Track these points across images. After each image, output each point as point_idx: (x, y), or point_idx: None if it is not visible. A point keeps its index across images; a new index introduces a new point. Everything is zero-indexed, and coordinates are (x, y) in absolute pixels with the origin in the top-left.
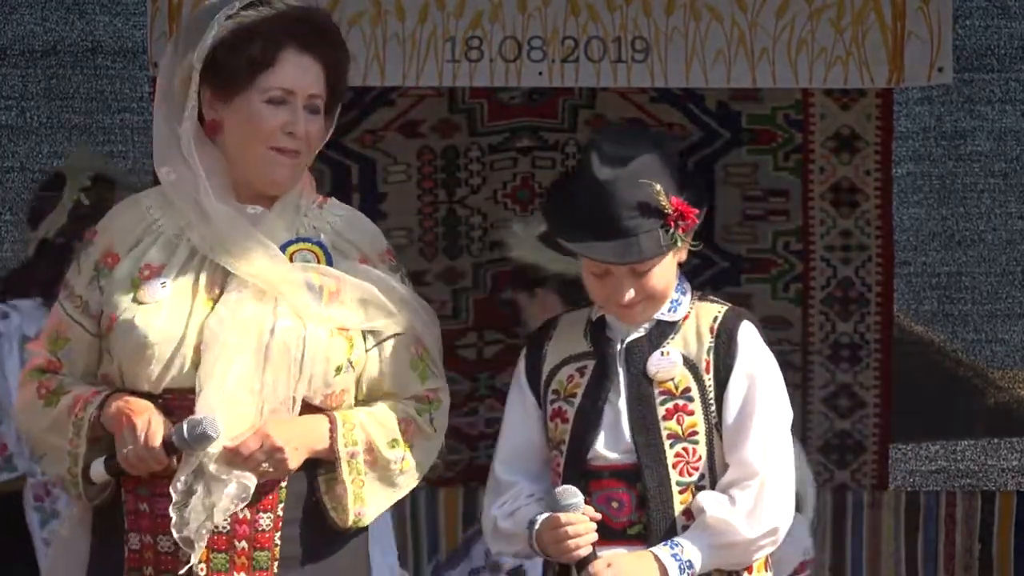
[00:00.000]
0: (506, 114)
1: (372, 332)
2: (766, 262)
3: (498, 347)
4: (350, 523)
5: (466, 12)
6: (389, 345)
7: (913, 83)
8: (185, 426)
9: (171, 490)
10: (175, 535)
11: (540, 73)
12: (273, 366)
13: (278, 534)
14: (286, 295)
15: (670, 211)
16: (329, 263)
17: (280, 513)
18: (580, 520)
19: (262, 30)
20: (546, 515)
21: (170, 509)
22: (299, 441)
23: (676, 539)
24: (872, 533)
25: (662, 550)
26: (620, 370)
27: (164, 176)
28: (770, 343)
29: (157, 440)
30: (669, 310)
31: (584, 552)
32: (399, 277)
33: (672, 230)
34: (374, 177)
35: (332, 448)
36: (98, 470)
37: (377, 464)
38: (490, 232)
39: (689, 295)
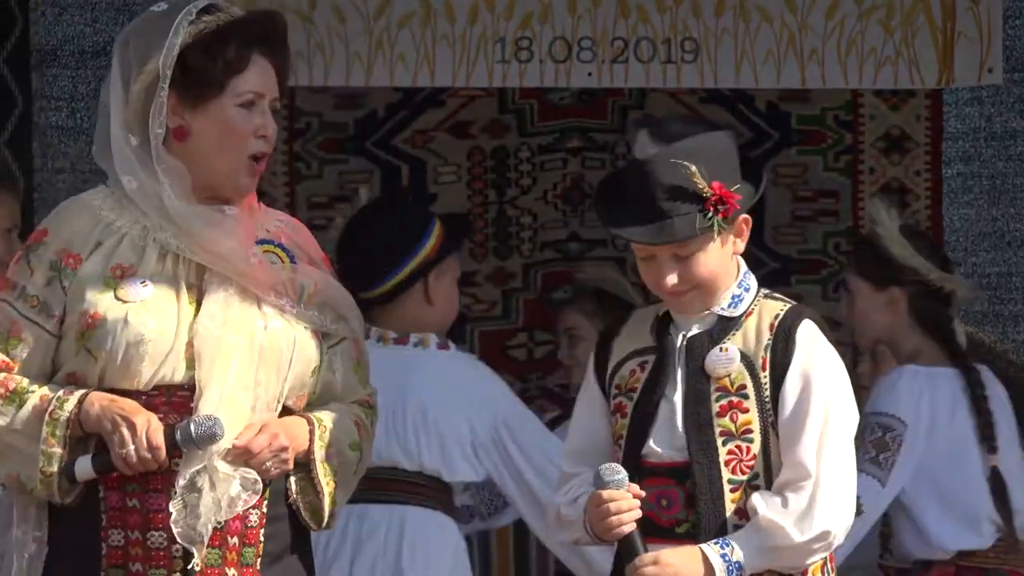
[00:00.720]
0: (556, 115)
1: (325, 335)
2: (816, 263)
3: (548, 348)
4: (324, 525)
5: (516, 13)
6: (340, 349)
7: (963, 83)
8: (192, 426)
9: (176, 486)
10: (176, 531)
11: (590, 74)
12: (265, 365)
13: (263, 531)
14: (270, 295)
15: (708, 194)
16: (293, 265)
17: (265, 510)
18: (623, 496)
19: (233, 34)
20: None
21: (171, 505)
22: (294, 442)
23: (727, 538)
24: None
25: (711, 548)
26: (679, 365)
27: (126, 184)
28: None
29: (161, 439)
30: (730, 305)
31: (627, 529)
32: (339, 284)
33: (710, 214)
34: (424, 178)
35: (309, 451)
36: (85, 468)
37: (342, 467)
38: (540, 233)
39: (753, 292)
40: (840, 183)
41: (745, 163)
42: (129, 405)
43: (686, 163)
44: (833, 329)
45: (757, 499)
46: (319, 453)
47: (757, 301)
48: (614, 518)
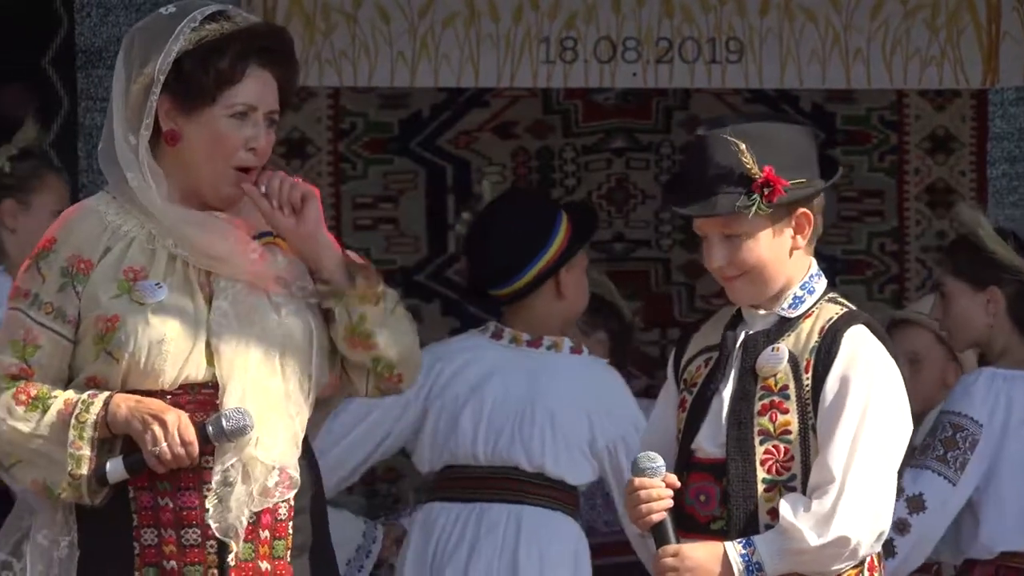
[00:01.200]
0: (600, 115)
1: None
2: (861, 263)
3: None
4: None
5: (560, 13)
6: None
7: (1008, 84)
8: (223, 420)
9: (212, 482)
10: (213, 526)
11: (634, 74)
12: (288, 352)
13: (291, 523)
14: (276, 287)
15: (755, 175)
16: None
17: (292, 502)
18: (655, 485)
19: (230, 45)
20: None
21: (207, 502)
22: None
23: (753, 538)
24: None
25: (734, 547)
26: (734, 363)
27: (130, 180)
28: None
29: (193, 435)
30: (790, 306)
31: (657, 518)
32: None
33: (754, 195)
34: (468, 178)
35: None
36: (117, 469)
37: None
38: None
39: (817, 295)
40: (885, 183)
41: (823, 162)
42: (156, 404)
43: (736, 141)
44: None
45: (783, 502)
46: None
47: (819, 304)
48: (644, 506)
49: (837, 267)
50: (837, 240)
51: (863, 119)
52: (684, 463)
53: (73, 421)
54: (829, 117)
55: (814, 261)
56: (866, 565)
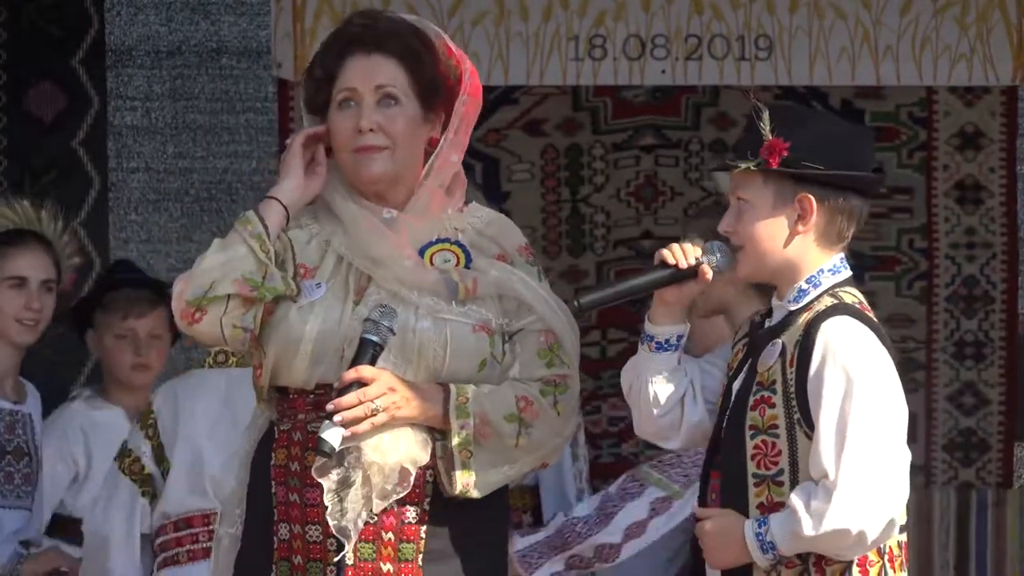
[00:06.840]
0: (629, 112)
1: (507, 325)
2: (890, 260)
3: (621, 345)
4: (456, 492)
5: (590, 10)
6: (520, 337)
7: None
8: (377, 322)
9: (330, 480)
10: (331, 523)
11: (663, 71)
12: (415, 365)
13: (424, 527)
14: (423, 297)
15: (765, 137)
16: (468, 261)
17: (427, 507)
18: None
19: (329, 45)
20: None
21: (325, 499)
22: (414, 396)
23: (768, 517)
24: (996, 531)
25: (750, 525)
26: (750, 357)
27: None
28: (894, 341)
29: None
30: (794, 299)
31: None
32: (536, 273)
33: (759, 159)
34: (498, 176)
35: (445, 417)
36: (335, 433)
37: (490, 437)
38: (613, 230)
39: (821, 289)
40: (914, 180)
41: (854, 156)
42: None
43: (761, 107)
44: (908, 327)
45: (797, 489)
46: (455, 422)
47: (820, 298)
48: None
49: (866, 263)
50: (866, 236)
51: (892, 115)
52: (709, 460)
53: (236, 226)
54: (858, 114)
55: (838, 258)
56: (886, 555)
